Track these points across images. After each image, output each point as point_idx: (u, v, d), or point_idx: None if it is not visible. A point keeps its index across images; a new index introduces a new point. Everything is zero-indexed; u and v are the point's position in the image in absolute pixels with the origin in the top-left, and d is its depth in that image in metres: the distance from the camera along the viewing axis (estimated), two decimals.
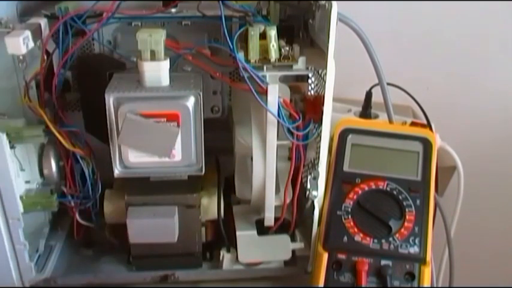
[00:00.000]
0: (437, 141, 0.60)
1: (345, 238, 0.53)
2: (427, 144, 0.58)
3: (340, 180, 0.56)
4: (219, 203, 0.59)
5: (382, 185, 0.55)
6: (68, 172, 0.58)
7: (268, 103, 0.50)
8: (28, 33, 0.50)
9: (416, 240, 0.52)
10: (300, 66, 0.52)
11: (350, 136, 0.59)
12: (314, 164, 0.56)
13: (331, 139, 0.57)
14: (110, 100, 0.49)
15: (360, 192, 0.55)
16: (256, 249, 0.58)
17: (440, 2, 0.92)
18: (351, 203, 0.55)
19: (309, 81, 0.53)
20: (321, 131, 0.53)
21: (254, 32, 0.50)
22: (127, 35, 0.62)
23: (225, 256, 0.60)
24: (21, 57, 0.54)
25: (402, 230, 0.53)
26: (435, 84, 0.98)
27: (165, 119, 0.49)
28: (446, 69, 0.98)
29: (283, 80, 0.53)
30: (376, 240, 0.52)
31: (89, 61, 0.61)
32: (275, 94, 0.50)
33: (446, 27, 0.95)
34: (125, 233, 0.55)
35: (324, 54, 0.50)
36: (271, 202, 0.56)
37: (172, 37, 0.58)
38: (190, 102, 0.50)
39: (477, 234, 0.99)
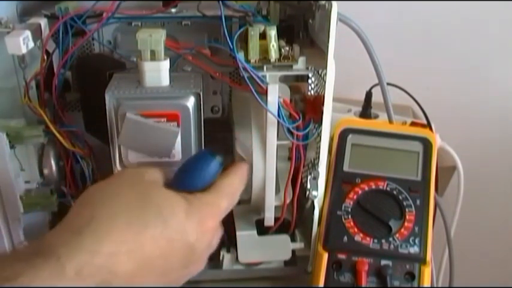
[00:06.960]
0: (437, 141, 0.60)
1: (345, 238, 0.53)
2: (427, 144, 0.58)
3: (340, 180, 0.56)
4: None
5: (382, 185, 0.55)
6: (68, 172, 0.58)
7: (268, 103, 0.50)
8: (28, 33, 0.50)
9: (416, 240, 0.52)
10: (300, 66, 0.52)
11: (350, 136, 0.59)
12: (314, 164, 0.56)
13: (331, 139, 0.57)
14: (110, 100, 0.49)
15: (360, 192, 0.55)
16: (256, 249, 0.58)
17: (440, 2, 0.93)
18: (351, 203, 0.55)
19: (309, 81, 0.53)
20: (321, 131, 0.53)
21: (254, 32, 0.50)
22: (127, 35, 0.62)
23: (225, 256, 0.60)
24: (21, 57, 0.54)
25: (402, 230, 0.53)
26: (435, 84, 0.98)
27: (165, 119, 0.49)
28: (446, 69, 0.98)
29: (283, 80, 0.53)
30: (376, 240, 0.52)
31: (89, 61, 0.61)
32: (275, 94, 0.50)
33: (446, 26, 0.95)
34: None
35: (324, 54, 0.50)
36: (271, 202, 0.56)
37: (172, 37, 0.58)
38: (190, 102, 0.50)
39: (477, 234, 0.99)
